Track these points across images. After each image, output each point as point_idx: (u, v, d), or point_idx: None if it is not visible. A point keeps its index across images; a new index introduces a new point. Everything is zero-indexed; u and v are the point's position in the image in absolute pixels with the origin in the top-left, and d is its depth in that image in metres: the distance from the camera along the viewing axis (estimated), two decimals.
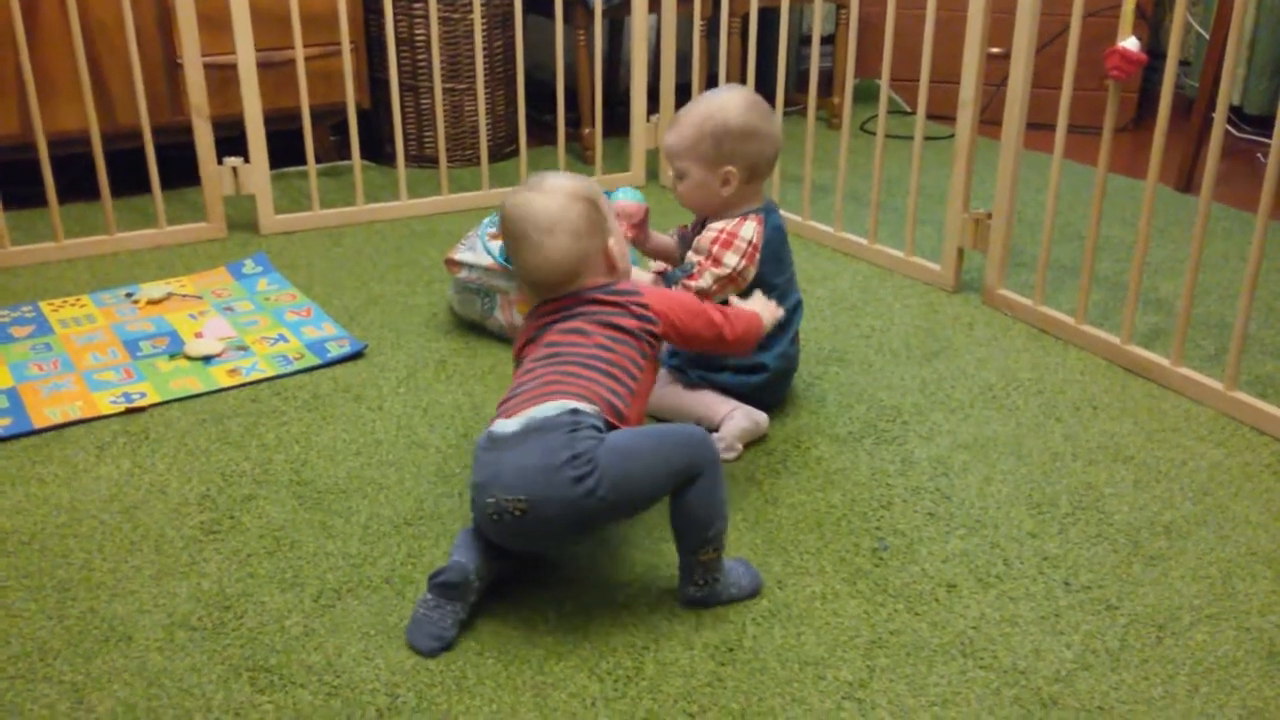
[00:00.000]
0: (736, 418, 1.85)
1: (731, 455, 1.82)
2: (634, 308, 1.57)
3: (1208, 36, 3.11)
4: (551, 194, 1.57)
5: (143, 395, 1.99)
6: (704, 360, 1.91)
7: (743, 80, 2.88)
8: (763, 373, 1.90)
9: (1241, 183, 3.08)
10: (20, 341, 2.18)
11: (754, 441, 1.87)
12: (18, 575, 1.55)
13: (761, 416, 1.88)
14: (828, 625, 1.46)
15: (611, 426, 1.46)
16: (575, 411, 1.43)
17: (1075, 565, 1.59)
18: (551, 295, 1.58)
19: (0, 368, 2.08)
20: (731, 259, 1.82)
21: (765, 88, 3.27)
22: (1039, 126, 2.57)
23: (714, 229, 1.85)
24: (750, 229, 1.84)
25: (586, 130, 3.24)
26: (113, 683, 1.36)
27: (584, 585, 1.53)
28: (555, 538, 1.48)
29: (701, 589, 1.47)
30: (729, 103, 1.84)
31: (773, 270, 1.87)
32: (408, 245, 2.70)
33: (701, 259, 1.84)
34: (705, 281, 1.83)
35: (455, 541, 1.50)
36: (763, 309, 1.73)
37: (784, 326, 1.88)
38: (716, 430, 1.83)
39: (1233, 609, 1.51)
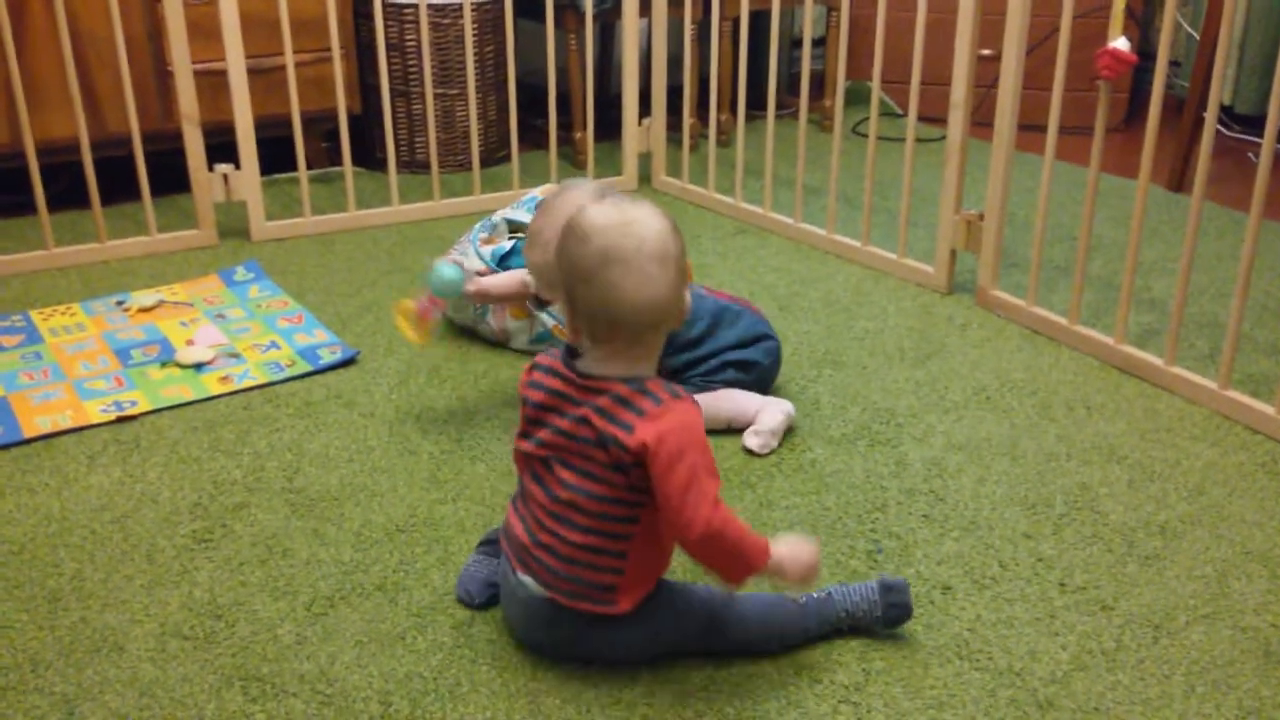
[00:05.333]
0: (772, 411, 1.87)
1: (766, 450, 1.84)
2: (617, 439, 1.28)
3: (1198, 36, 3.11)
4: (655, 214, 1.30)
5: (134, 404, 1.98)
6: (704, 368, 1.91)
7: (734, 83, 2.87)
8: (756, 369, 1.93)
9: (1233, 182, 3.08)
10: (10, 350, 2.17)
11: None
12: (8, 586, 1.54)
13: (789, 406, 1.90)
14: None
15: (603, 615, 1.35)
16: (554, 604, 1.35)
17: (1070, 566, 1.58)
18: (605, 345, 1.31)
19: None
20: None
21: (757, 90, 3.27)
22: (1030, 127, 2.57)
23: None
24: None
25: (578, 134, 3.24)
26: (104, 693, 1.35)
27: None
28: None
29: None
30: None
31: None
32: (400, 251, 2.69)
33: None
34: None
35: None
36: (789, 554, 1.33)
37: (758, 337, 1.94)
38: (751, 424, 1.87)
39: (1228, 608, 1.50)
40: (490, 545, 1.54)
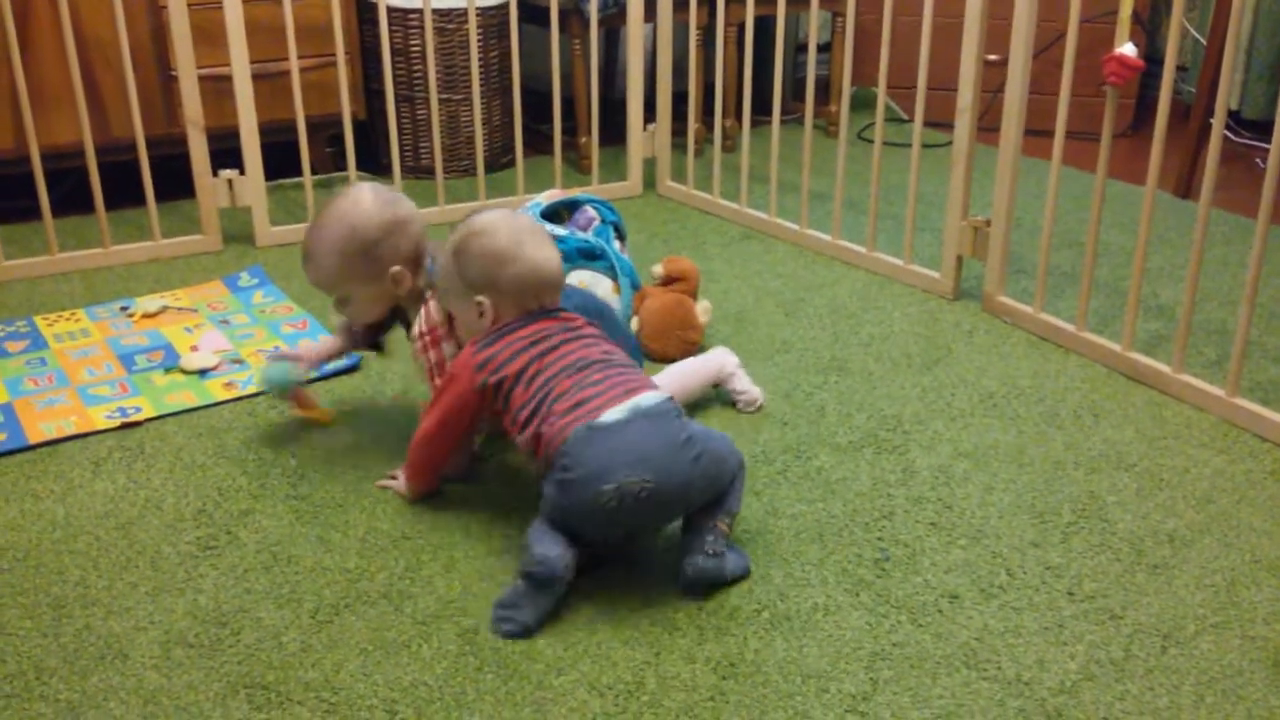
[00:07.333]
0: (735, 373, 1.99)
1: (758, 402, 2.00)
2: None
3: (1205, 42, 3.10)
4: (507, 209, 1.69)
5: (138, 410, 1.98)
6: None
7: (739, 88, 2.87)
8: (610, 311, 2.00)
9: (1241, 188, 3.08)
10: (15, 356, 2.17)
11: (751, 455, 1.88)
12: (12, 592, 1.53)
13: (732, 360, 2.01)
14: (830, 637, 1.45)
15: None
16: (671, 399, 1.53)
17: (1079, 575, 1.57)
18: (550, 304, 1.63)
19: None
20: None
21: (762, 96, 3.27)
22: (1037, 133, 2.57)
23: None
24: None
25: (583, 139, 3.23)
26: (109, 701, 1.35)
27: (584, 599, 1.51)
28: (660, 518, 1.55)
29: (711, 558, 1.49)
30: (358, 211, 1.73)
31: None
32: None
33: None
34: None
35: (531, 537, 1.47)
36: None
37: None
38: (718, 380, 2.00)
39: (1237, 618, 1.50)
40: (541, 583, 1.47)
